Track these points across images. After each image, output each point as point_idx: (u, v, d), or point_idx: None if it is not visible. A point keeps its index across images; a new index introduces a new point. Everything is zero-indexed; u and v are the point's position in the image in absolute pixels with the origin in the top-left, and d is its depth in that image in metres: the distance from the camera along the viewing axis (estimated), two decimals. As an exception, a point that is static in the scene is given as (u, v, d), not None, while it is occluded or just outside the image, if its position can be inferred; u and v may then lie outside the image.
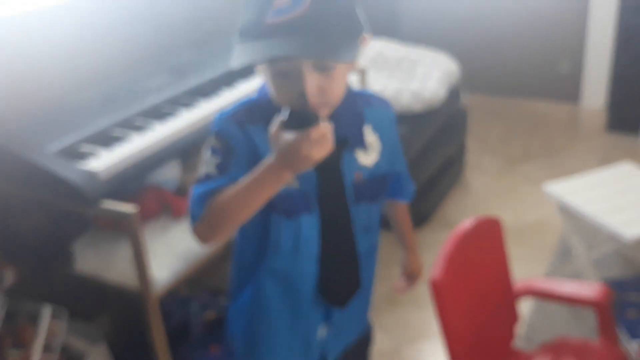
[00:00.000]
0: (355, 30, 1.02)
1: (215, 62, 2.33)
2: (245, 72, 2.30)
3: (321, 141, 0.93)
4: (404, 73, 2.93)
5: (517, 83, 4.09)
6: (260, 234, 1.14)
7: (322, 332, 1.24)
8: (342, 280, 1.21)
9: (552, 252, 2.75)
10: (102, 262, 1.78)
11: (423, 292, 1.41)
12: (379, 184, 1.19)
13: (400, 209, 1.43)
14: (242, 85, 2.20)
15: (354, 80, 2.70)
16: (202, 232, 1.07)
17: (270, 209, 1.08)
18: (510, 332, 1.89)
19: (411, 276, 1.52)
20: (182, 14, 2.46)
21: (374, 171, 1.17)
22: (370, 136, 1.17)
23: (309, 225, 1.14)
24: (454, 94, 3.09)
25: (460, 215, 3.08)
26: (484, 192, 3.34)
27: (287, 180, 0.99)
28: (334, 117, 1.05)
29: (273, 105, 1.06)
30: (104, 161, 1.69)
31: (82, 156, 1.71)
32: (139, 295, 1.67)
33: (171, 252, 1.77)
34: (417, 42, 3.64)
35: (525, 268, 2.13)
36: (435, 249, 1.70)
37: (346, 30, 0.99)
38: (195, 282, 2.24)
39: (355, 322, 1.32)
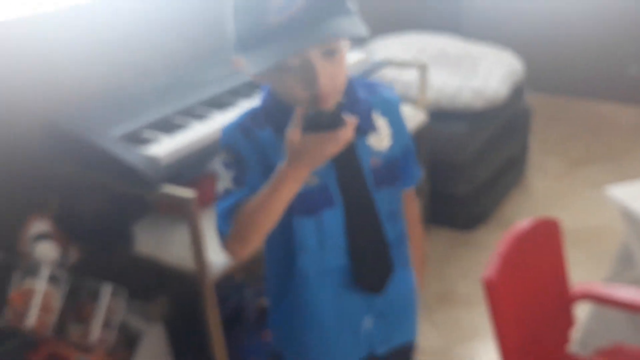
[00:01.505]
0: (348, 5, 1.00)
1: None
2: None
3: (337, 136, 0.94)
4: (466, 70, 2.85)
5: (582, 83, 3.93)
6: (285, 238, 1.12)
7: (368, 322, 1.21)
8: (375, 266, 1.18)
9: (612, 258, 2.62)
10: (161, 244, 1.80)
11: (476, 291, 1.35)
12: (396, 167, 1.18)
13: (408, 197, 1.33)
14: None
15: (413, 76, 2.64)
16: (233, 247, 1.07)
17: (291, 211, 1.06)
18: (564, 336, 1.82)
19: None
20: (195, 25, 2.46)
21: (389, 155, 1.16)
22: (380, 121, 1.16)
23: (333, 219, 1.12)
24: (517, 92, 2.99)
25: (519, 217, 2.99)
26: (544, 194, 3.22)
27: (305, 179, 1.00)
28: (343, 106, 1.04)
29: (278, 107, 1.06)
30: (165, 147, 1.70)
31: (145, 141, 1.73)
32: (195, 278, 1.68)
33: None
34: (480, 39, 3.54)
35: (583, 273, 2.04)
36: (491, 250, 1.64)
37: (339, 6, 0.97)
38: (250, 270, 2.24)
39: (401, 313, 1.27)
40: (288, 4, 0.93)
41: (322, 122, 0.95)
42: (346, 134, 0.95)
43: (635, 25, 3.66)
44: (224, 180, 1.07)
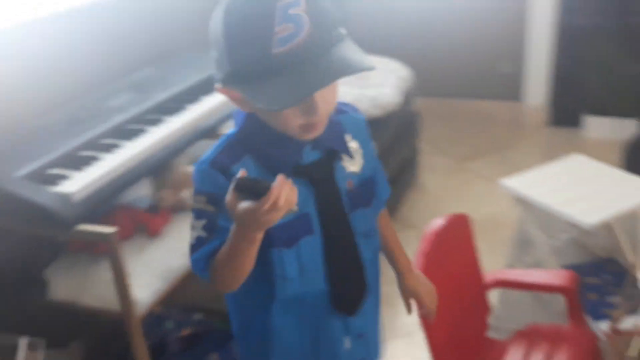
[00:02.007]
0: (341, 30, 0.98)
1: (176, 78, 2.28)
2: (208, 87, 2.25)
3: (275, 208, 0.86)
4: (360, 80, 2.93)
5: (462, 85, 4.16)
6: (262, 269, 1.07)
7: (347, 343, 1.20)
8: (352, 289, 1.17)
9: (509, 244, 2.79)
10: (78, 287, 1.70)
11: (393, 291, 1.37)
12: (370, 187, 1.17)
13: (383, 218, 1.34)
14: (207, 100, 2.15)
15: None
16: (219, 287, 1.04)
17: (270, 243, 1.03)
18: (484, 322, 1.91)
19: (419, 298, 1.36)
20: (141, 31, 2.40)
21: (362, 176, 1.14)
22: (352, 142, 1.14)
23: (311, 247, 1.09)
24: (407, 98, 3.12)
25: (418, 215, 3.10)
26: (438, 191, 3.37)
27: (258, 239, 0.93)
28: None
29: (260, 131, 1.01)
30: (75, 183, 1.62)
31: (52, 179, 1.63)
32: (121, 317, 1.60)
33: (150, 272, 1.71)
34: (368, 51, 3.65)
35: (485, 261, 2.16)
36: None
37: (337, 34, 0.95)
38: (169, 302, 2.17)
39: (375, 327, 1.28)
40: (292, 35, 0.89)
41: (245, 190, 0.88)
42: (269, 204, 0.86)
43: (504, 27, 3.93)
44: (195, 230, 1.02)
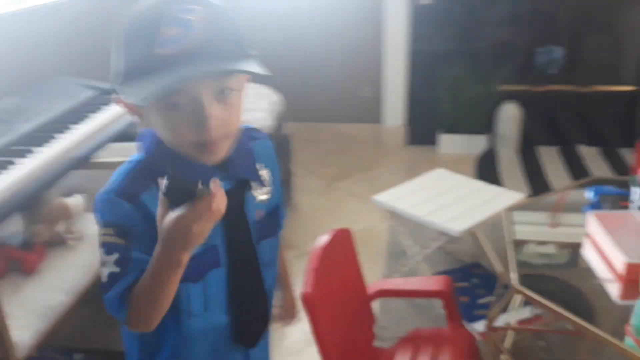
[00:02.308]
0: (246, 50, 0.94)
1: (41, 107, 2.16)
2: (77, 116, 2.15)
3: (207, 212, 0.82)
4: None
5: (327, 109, 4.32)
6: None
7: None
8: (255, 321, 1.15)
9: (383, 255, 2.92)
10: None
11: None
12: (276, 216, 1.13)
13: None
14: (76, 128, 2.05)
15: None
16: (136, 326, 0.95)
17: None
18: (370, 332, 1.97)
19: (289, 313, 1.42)
20: (1, 59, 2.25)
21: (270, 204, 1.11)
22: (263, 171, 1.10)
23: (217, 280, 1.04)
24: (279, 122, 3.17)
25: (295, 234, 3.15)
26: (312, 211, 3.45)
27: (184, 262, 0.87)
28: (230, 159, 0.98)
29: (167, 156, 0.95)
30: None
31: None
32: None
33: (28, 311, 1.58)
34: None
35: (364, 273, 2.24)
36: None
37: (238, 49, 0.92)
38: (52, 340, 2.02)
39: (267, 352, 1.26)
40: (182, 36, 0.86)
41: (176, 193, 0.82)
42: (202, 206, 0.81)
43: (364, 54, 4.15)
44: (107, 266, 0.93)
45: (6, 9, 2.40)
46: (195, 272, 0.98)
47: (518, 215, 2.16)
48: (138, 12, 0.90)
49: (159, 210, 0.84)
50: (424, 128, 4.20)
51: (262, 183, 1.08)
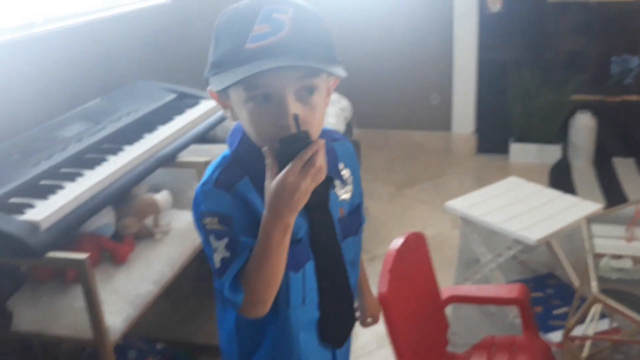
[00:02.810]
0: (334, 56, 0.98)
1: (127, 108, 2.26)
2: (163, 116, 2.24)
3: (312, 169, 0.88)
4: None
5: (396, 117, 4.32)
6: None
7: None
8: (341, 320, 1.16)
9: (453, 263, 2.89)
10: (46, 316, 1.62)
11: None
12: (357, 215, 1.15)
13: None
14: (163, 129, 2.14)
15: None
16: (252, 310, 0.99)
17: None
18: (444, 338, 1.95)
19: (374, 315, 1.41)
20: (87, 63, 2.37)
21: (352, 204, 1.13)
22: (344, 171, 1.13)
23: (311, 274, 1.07)
24: (348, 128, 3.20)
25: (364, 238, 3.14)
26: (381, 216, 3.45)
27: (291, 225, 0.92)
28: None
29: (251, 153, 1.00)
30: (42, 211, 1.56)
31: (16, 208, 1.57)
32: (93, 345, 1.54)
33: (120, 298, 1.65)
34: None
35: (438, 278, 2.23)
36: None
37: (326, 52, 0.96)
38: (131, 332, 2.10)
39: (348, 354, 1.26)
40: (272, 34, 0.90)
41: (288, 146, 0.89)
42: (320, 160, 0.88)
43: (434, 62, 4.13)
44: (218, 252, 0.97)
45: (98, 14, 2.54)
46: (294, 260, 1.01)
47: (593, 228, 2.09)
48: (234, 10, 0.95)
49: (267, 177, 0.90)
50: (493, 136, 4.14)
51: (344, 182, 1.11)
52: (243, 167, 1.01)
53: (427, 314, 1.89)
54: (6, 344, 1.66)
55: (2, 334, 1.61)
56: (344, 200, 1.11)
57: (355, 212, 1.15)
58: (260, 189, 0.96)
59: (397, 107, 4.27)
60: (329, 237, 1.08)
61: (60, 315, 1.61)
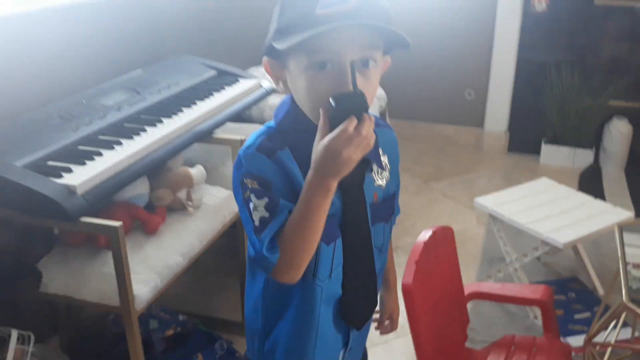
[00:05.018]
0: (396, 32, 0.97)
1: (168, 81, 2.25)
2: (203, 93, 2.23)
3: (358, 138, 0.87)
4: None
5: (429, 109, 4.25)
6: None
7: (341, 356, 1.17)
8: (362, 302, 1.15)
9: (476, 259, 2.85)
10: (74, 280, 1.63)
11: None
12: (391, 203, 1.14)
13: None
14: (201, 104, 2.12)
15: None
16: (284, 274, 0.97)
17: None
18: (463, 332, 1.92)
19: (392, 316, 1.40)
20: (131, 33, 2.36)
21: (387, 191, 1.12)
22: (383, 157, 1.11)
23: (340, 250, 1.06)
24: (382, 117, 3.16)
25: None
26: (406, 207, 3.41)
27: (332, 190, 0.91)
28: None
29: (297, 126, 1.01)
30: (79, 176, 1.55)
31: (54, 172, 1.56)
32: (119, 311, 1.54)
33: (148, 268, 1.65)
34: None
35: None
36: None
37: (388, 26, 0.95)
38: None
39: (363, 342, 1.25)
40: (336, 2, 0.90)
41: (348, 102, 0.88)
42: (367, 129, 0.88)
43: (472, 58, 4.04)
44: (257, 210, 0.96)
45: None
46: (326, 232, 0.99)
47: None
48: None
49: (316, 138, 0.90)
50: (526, 136, 4.05)
51: (382, 167, 1.10)
52: (286, 138, 1.01)
53: (449, 308, 1.87)
54: (32, 304, 1.66)
55: (30, 294, 1.62)
56: (379, 186, 1.10)
57: (389, 201, 1.13)
58: (300, 162, 0.97)
59: (431, 100, 4.20)
60: (359, 217, 1.08)
61: (88, 280, 1.61)
